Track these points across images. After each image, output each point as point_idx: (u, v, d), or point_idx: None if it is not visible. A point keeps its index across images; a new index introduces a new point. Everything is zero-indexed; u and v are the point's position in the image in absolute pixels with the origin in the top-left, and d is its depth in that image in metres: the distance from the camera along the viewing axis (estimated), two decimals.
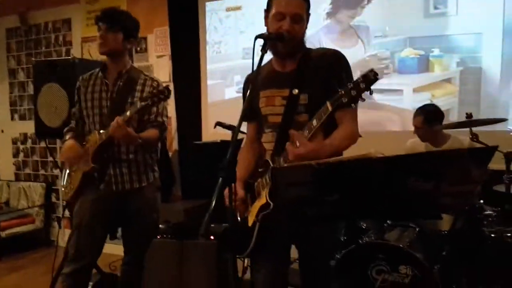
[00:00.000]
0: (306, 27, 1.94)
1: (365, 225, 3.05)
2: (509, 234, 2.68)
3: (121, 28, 2.65)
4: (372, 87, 1.60)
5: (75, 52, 5.57)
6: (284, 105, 1.93)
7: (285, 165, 1.80)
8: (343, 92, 1.63)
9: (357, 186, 1.38)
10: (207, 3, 4.80)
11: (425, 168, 1.37)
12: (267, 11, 1.96)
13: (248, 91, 1.92)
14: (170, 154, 5.02)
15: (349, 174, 1.35)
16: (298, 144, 1.74)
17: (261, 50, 1.81)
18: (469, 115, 2.94)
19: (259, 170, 2.01)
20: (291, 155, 1.76)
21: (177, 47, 4.96)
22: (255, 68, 1.75)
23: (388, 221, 2.93)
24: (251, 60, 1.73)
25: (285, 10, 1.86)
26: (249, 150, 2.20)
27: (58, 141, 5.15)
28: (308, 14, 1.95)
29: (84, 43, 5.56)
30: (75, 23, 5.63)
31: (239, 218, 2.09)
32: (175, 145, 5.04)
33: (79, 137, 2.78)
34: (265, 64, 2.06)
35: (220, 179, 1.50)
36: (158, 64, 5.12)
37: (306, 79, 1.90)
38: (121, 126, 2.45)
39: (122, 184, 2.71)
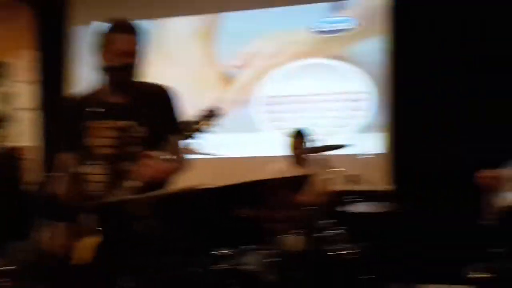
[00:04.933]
0: (139, 59, 1.96)
1: (219, 251, 3.04)
2: (351, 252, 2.84)
3: None
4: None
5: None
6: (116, 137, 1.91)
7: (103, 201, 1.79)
8: (188, 126, 1.71)
9: (186, 216, 1.39)
10: (74, 28, 4.67)
11: (248, 196, 1.42)
12: (103, 45, 1.94)
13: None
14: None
15: (174, 205, 1.35)
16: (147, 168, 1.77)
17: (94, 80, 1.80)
18: (316, 142, 3.13)
19: (86, 204, 1.93)
20: (140, 177, 1.78)
21: (44, 72, 4.73)
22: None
23: (243, 246, 2.95)
24: None
25: (122, 46, 1.89)
26: (69, 181, 2.06)
27: None
28: (141, 47, 1.96)
29: None
30: None
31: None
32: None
33: None
34: (89, 93, 2.03)
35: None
36: (23, 90, 4.81)
37: (143, 112, 1.92)
38: None
39: None
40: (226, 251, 3.03)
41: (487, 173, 2.06)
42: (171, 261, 1.95)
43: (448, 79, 3.81)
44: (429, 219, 3.55)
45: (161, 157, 1.78)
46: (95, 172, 1.97)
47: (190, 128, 1.72)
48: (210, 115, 1.71)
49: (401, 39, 4.04)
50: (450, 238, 3.52)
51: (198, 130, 1.72)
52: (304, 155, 3.53)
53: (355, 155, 3.83)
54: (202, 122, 1.71)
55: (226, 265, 2.78)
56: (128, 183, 1.83)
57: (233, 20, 4.46)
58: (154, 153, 1.79)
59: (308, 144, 3.47)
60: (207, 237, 1.57)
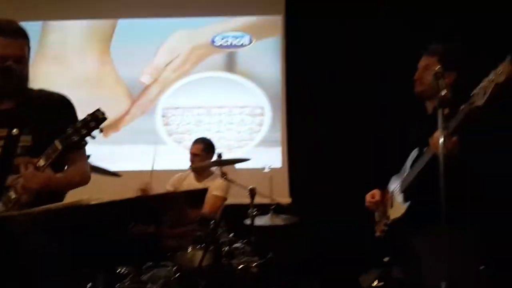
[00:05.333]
0: (24, 64, 1.84)
1: (124, 269, 2.93)
2: (254, 264, 2.92)
3: None
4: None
5: None
6: (1, 146, 1.79)
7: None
8: (72, 130, 1.65)
9: (73, 234, 1.29)
10: None
11: (142, 212, 1.37)
12: None
13: None
14: None
15: (60, 222, 1.25)
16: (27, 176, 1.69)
17: None
18: (219, 155, 3.18)
19: None
20: (21, 189, 1.70)
21: None
22: None
23: (141, 264, 2.86)
24: None
25: (4, 52, 1.76)
26: None
27: None
28: (25, 51, 1.86)
29: None
30: None
31: None
32: None
33: None
34: None
35: None
36: None
37: (29, 120, 1.81)
38: None
39: None
40: (125, 270, 2.92)
41: (370, 197, 2.25)
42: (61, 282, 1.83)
43: (340, 96, 4.04)
44: (324, 231, 3.77)
45: (41, 164, 1.69)
46: None
47: (74, 133, 1.66)
48: (93, 119, 1.66)
49: (294, 55, 4.22)
50: (345, 249, 3.77)
51: (82, 134, 1.66)
52: (205, 168, 3.54)
53: (255, 169, 3.94)
54: (86, 126, 1.66)
55: (130, 282, 2.69)
56: (11, 197, 1.72)
57: (131, 28, 4.35)
58: (33, 161, 1.70)
59: (210, 157, 3.50)
60: (102, 255, 1.48)
